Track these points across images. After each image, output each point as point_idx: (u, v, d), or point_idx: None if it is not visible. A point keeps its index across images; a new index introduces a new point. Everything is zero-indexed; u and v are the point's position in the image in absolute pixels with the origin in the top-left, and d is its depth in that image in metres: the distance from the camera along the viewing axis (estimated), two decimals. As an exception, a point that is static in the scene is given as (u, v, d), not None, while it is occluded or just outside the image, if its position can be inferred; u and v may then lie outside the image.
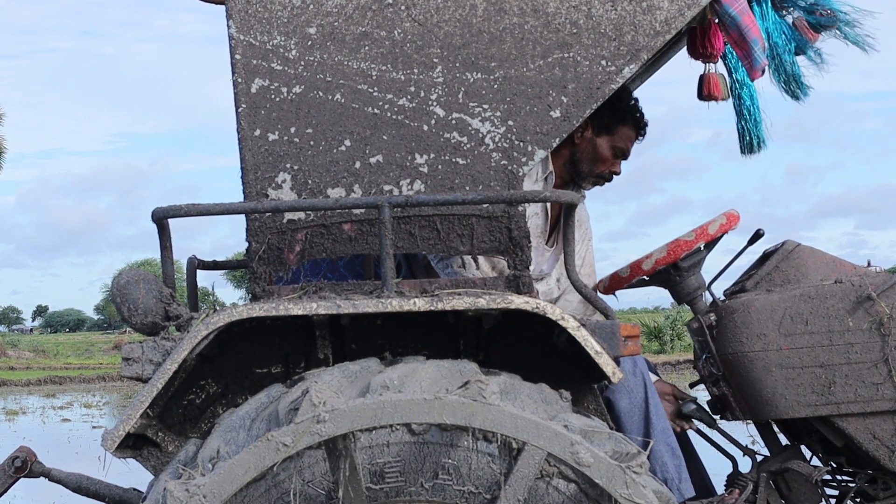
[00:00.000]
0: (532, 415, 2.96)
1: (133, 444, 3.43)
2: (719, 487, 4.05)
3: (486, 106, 3.47)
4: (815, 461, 4.05)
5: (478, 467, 2.97)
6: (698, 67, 3.86)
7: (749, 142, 3.92)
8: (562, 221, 3.42)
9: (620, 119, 4.22)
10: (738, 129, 3.92)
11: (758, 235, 3.96)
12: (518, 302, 3.20)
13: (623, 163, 4.28)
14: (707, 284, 4.03)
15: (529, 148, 3.46)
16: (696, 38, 3.74)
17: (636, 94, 4.39)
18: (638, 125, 4.27)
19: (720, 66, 3.84)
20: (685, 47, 3.95)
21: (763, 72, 3.73)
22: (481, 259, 3.91)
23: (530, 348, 3.57)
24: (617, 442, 3.09)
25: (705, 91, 3.81)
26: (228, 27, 3.49)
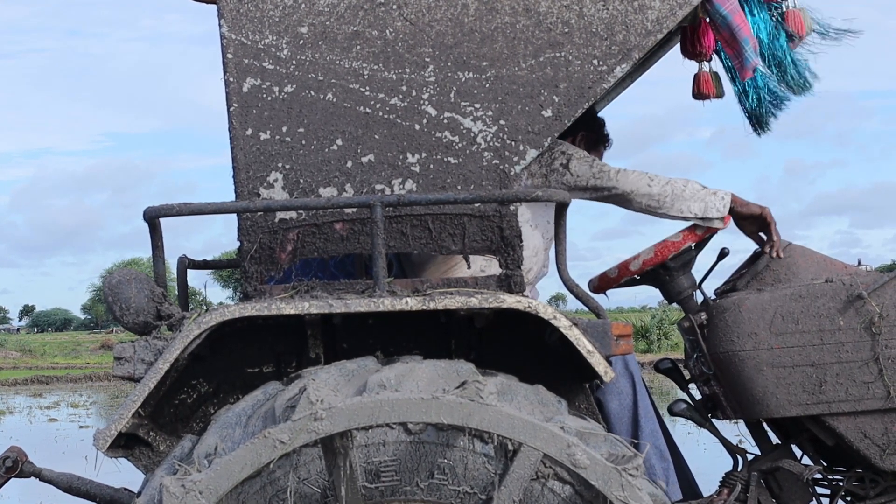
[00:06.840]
0: (529, 416, 2.95)
1: (124, 444, 3.43)
2: (713, 486, 4.05)
3: (477, 105, 3.46)
4: (806, 460, 4.06)
5: (473, 467, 2.97)
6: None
7: (757, 122, 4.06)
8: (554, 221, 3.44)
9: (601, 141, 4.50)
10: (744, 113, 4.06)
11: (723, 255, 4.00)
12: (510, 301, 3.20)
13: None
14: (697, 283, 4.04)
15: (521, 147, 3.46)
16: (687, 38, 3.77)
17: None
18: (607, 143, 4.57)
19: (716, 65, 3.88)
20: (676, 46, 3.96)
21: (754, 71, 3.74)
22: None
23: (522, 348, 3.57)
24: (612, 444, 3.08)
25: (701, 89, 3.87)
26: (220, 26, 3.48)
